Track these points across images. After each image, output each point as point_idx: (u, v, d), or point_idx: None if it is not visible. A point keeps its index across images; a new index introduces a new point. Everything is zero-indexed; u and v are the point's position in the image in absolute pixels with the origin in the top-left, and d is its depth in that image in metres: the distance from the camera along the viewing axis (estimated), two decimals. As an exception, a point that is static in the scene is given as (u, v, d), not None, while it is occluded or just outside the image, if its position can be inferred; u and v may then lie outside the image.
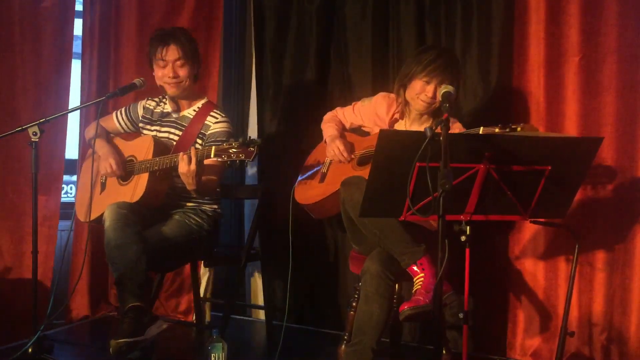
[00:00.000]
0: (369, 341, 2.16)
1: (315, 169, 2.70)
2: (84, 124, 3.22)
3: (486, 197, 1.90)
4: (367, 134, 2.67)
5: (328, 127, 2.69)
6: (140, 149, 2.68)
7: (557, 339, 2.39)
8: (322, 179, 2.62)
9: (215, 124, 2.68)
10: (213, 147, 2.34)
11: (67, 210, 3.13)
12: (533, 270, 2.72)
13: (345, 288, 3.18)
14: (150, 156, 2.59)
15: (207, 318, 3.29)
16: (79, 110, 3.25)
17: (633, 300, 2.53)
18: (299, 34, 3.27)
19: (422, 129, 2.43)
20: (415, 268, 2.16)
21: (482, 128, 2.09)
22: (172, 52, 2.60)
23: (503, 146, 1.83)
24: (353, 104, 2.70)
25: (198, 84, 3.19)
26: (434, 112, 2.44)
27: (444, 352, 2.30)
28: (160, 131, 2.76)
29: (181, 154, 2.40)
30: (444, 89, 2.01)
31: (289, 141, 3.25)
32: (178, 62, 2.62)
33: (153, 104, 2.84)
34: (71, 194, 3.60)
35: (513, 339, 2.78)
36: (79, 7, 3.35)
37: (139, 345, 2.29)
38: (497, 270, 2.80)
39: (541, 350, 2.70)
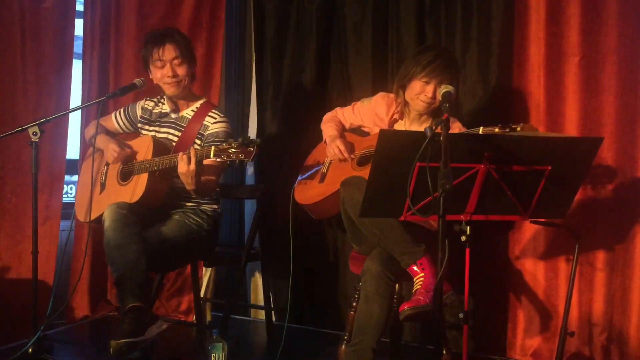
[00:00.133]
0: (369, 341, 2.16)
1: (315, 169, 2.70)
2: (84, 124, 3.23)
3: (486, 197, 1.90)
4: (367, 134, 2.67)
5: (328, 127, 2.69)
6: (140, 149, 2.68)
7: (557, 339, 2.39)
8: (322, 179, 2.62)
9: (213, 124, 2.67)
10: (212, 147, 2.34)
11: (68, 210, 3.13)
12: (533, 270, 2.72)
13: (345, 288, 3.18)
14: (149, 156, 2.59)
15: (208, 318, 3.29)
16: (80, 111, 3.26)
17: (633, 300, 2.53)
18: (298, 34, 3.27)
19: (421, 129, 2.44)
20: (415, 268, 2.16)
21: (481, 128, 2.09)
22: (168, 52, 2.60)
23: (503, 146, 1.83)
24: (352, 104, 2.70)
25: (199, 84, 3.20)
26: (433, 112, 2.44)
27: (444, 352, 2.30)
28: (159, 132, 2.76)
29: (180, 154, 2.40)
30: (444, 89, 2.01)
31: (289, 141, 3.25)
32: (176, 61, 2.62)
33: (151, 104, 2.84)
34: (71, 194, 3.60)
35: (513, 339, 2.78)
36: (79, 7, 3.35)
37: (139, 345, 2.29)
38: (497, 270, 2.80)
39: (541, 350, 2.70)
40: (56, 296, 2.64)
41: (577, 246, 2.34)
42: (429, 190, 1.66)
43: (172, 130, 2.74)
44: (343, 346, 2.41)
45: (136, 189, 2.56)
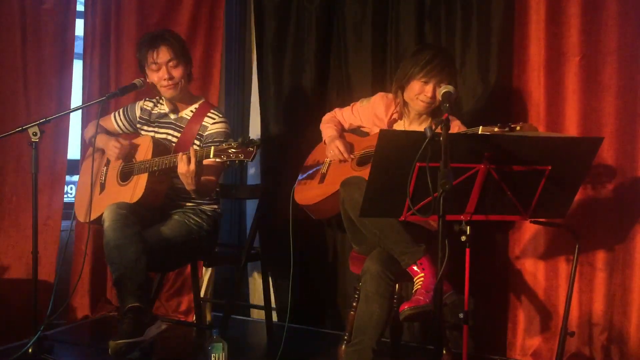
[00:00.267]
0: (369, 341, 2.16)
1: (315, 170, 2.70)
2: (85, 125, 3.22)
3: (486, 197, 1.90)
4: (366, 134, 2.67)
5: (327, 127, 2.69)
6: (140, 150, 2.68)
7: (558, 339, 2.39)
8: (322, 180, 2.62)
9: (212, 124, 2.67)
10: (212, 148, 2.34)
11: (68, 210, 3.13)
12: (533, 270, 2.72)
13: (345, 288, 3.18)
14: (149, 156, 2.59)
15: (208, 318, 3.29)
16: (80, 111, 3.26)
17: (633, 300, 2.53)
18: (298, 34, 3.27)
19: (421, 129, 2.44)
20: (415, 268, 2.16)
21: (481, 127, 2.09)
22: (163, 54, 2.59)
23: (503, 146, 1.83)
24: (352, 104, 2.70)
25: (199, 84, 3.19)
26: (432, 111, 2.44)
27: (444, 352, 2.30)
28: (158, 132, 2.76)
29: (180, 154, 2.40)
30: (444, 89, 2.01)
31: (289, 141, 3.25)
32: (171, 63, 2.60)
33: (150, 104, 2.83)
34: (71, 194, 3.60)
35: (513, 339, 2.78)
36: (80, 7, 3.35)
37: (138, 346, 2.29)
38: (497, 270, 2.80)
39: (541, 350, 2.70)
40: (56, 296, 2.64)
41: (577, 246, 2.34)
42: (429, 190, 1.66)
43: (171, 131, 2.74)
44: (343, 346, 2.41)
45: (136, 189, 2.56)
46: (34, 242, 2.54)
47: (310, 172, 2.72)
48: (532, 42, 2.69)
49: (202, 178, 2.48)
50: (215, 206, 2.78)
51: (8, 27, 3.06)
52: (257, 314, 3.50)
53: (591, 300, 2.62)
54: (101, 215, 2.48)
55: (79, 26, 3.35)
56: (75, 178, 3.47)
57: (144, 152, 2.63)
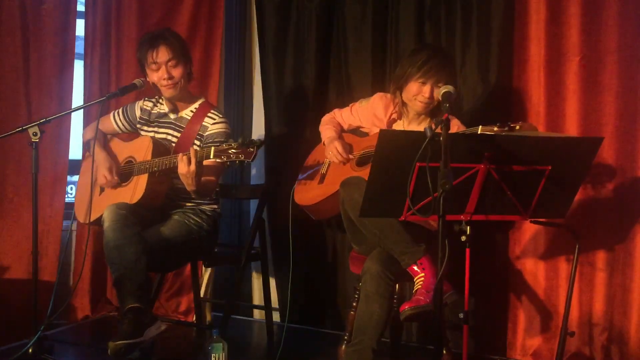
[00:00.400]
0: (369, 341, 2.16)
1: (314, 170, 2.70)
2: (86, 125, 3.23)
3: (486, 197, 1.90)
4: (366, 134, 2.67)
5: (326, 129, 2.69)
6: (139, 150, 2.67)
7: (558, 339, 2.39)
8: (322, 180, 2.62)
9: (213, 124, 2.67)
10: (212, 148, 2.33)
11: (70, 210, 3.13)
12: (533, 270, 2.72)
13: (345, 288, 3.18)
14: (149, 157, 2.59)
15: (208, 318, 3.29)
16: (82, 111, 3.27)
17: (633, 300, 2.53)
18: (299, 34, 3.27)
19: (420, 128, 2.45)
20: (415, 268, 2.16)
21: (480, 127, 2.09)
22: (162, 54, 2.59)
23: (503, 146, 1.83)
24: (351, 105, 2.70)
25: (198, 83, 3.19)
26: (431, 111, 2.44)
27: (444, 352, 2.30)
28: (157, 132, 2.76)
29: (180, 154, 2.40)
30: (444, 89, 2.01)
31: (291, 141, 3.25)
32: (170, 63, 2.60)
33: (150, 104, 2.83)
34: (72, 194, 3.60)
35: (513, 339, 2.78)
36: (80, 7, 3.35)
37: (138, 346, 2.29)
38: (497, 270, 2.80)
39: (541, 350, 2.70)
40: (57, 296, 2.64)
41: (577, 246, 2.34)
42: (429, 190, 1.66)
43: (171, 131, 2.74)
44: (343, 346, 2.41)
45: (136, 189, 2.56)
46: (34, 242, 2.53)
47: (310, 172, 2.71)
48: (532, 42, 2.69)
49: (203, 178, 2.48)
50: (215, 206, 2.78)
51: (9, 27, 3.06)
52: (257, 314, 3.50)
53: (591, 300, 2.62)
54: (101, 216, 2.47)
55: (80, 26, 3.35)
56: (76, 178, 3.47)
57: (144, 153, 2.63)
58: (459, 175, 1.81)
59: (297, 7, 3.26)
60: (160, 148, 2.64)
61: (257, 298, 3.50)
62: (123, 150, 2.78)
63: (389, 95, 2.53)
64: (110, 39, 3.39)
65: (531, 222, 2.25)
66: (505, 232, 2.78)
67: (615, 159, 2.56)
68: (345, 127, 2.71)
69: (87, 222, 2.72)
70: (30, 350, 2.49)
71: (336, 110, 2.75)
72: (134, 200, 2.52)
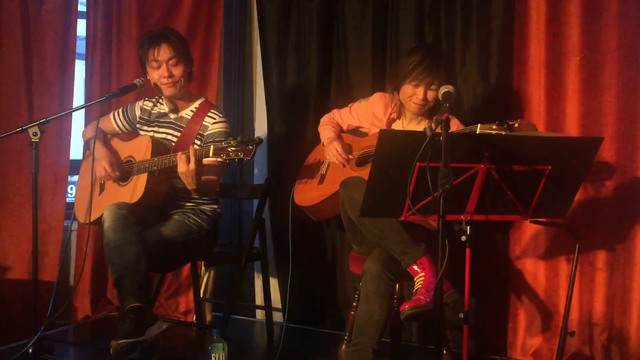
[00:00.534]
0: (369, 341, 2.16)
1: (314, 170, 2.70)
2: (87, 125, 3.23)
3: (486, 197, 1.90)
4: (365, 134, 2.67)
5: (325, 129, 2.69)
6: (139, 150, 2.67)
7: (558, 339, 2.39)
8: (321, 181, 2.62)
9: (213, 124, 2.67)
10: (212, 146, 2.33)
11: (69, 210, 3.13)
12: (534, 270, 2.72)
13: (345, 288, 3.18)
14: (148, 156, 2.59)
15: (208, 318, 3.29)
16: (83, 111, 3.27)
17: (633, 300, 2.53)
18: (300, 34, 3.27)
19: (419, 128, 2.46)
20: (415, 267, 2.16)
21: (479, 125, 2.09)
22: (164, 52, 2.59)
23: (503, 146, 1.83)
24: (350, 105, 2.71)
25: (197, 83, 3.19)
26: (430, 110, 2.44)
27: (444, 352, 2.30)
28: (157, 132, 2.76)
29: (179, 153, 2.40)
30: (444, 89, 2.01)
31: (291, 141, 3.25)
32: (171, 61, 2.61)
33: (150, 104, 2.83)
34: (72, 194, 3.60)
35: (514, 339, 2.78)
36: (81, 7, 3.35)
37: (139, 345, 2.29)
38: (497, 270, 2.80)
39: (542, 350, 2.70)
40: (57, 296, 2.64)
41: (577, 246, 2.34)
42: (429, 190, 1.66)
43: (171, 131, 2.74)
44: (343, 346, 2.41)
45: (136, 189, 2.56)
46: (34, 241, 2.54)
47: (310, 173, 2.72)
48: (532, 42, 2.69)
49: (203, 178, 2.48)
50: (215, 206, 2.78)
51: (9, 27, 3.06)
52: (257, 314, 3.50)
53: (591, 300, 2.62)
54: (101, 216, 2.48)
55: (81, 26, 3.35)
56: (77, 178, 3.47)
57: (143, 152, 2.63)
58: (459, 175, 1.81)
59: (297, 6, 3.26)
60: (159, 147, 2.64)
61: (260, 298, 3.50)
62: (122, 149, 2.78)
63: (388, 95, 2.54)
64: (111, 38, 3.39)
65: (531, 222, 2.25)
66: (505, 232, 2.78)
67: (615, 159, 2.56)
68: (345, 127, 2.71)
69: (87, 222, 2.72)
70: (30, 350, 2.49)
71: (335, 111, 2.75)
72: (134, 200, 2.52)
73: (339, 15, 3.16)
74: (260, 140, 2.29)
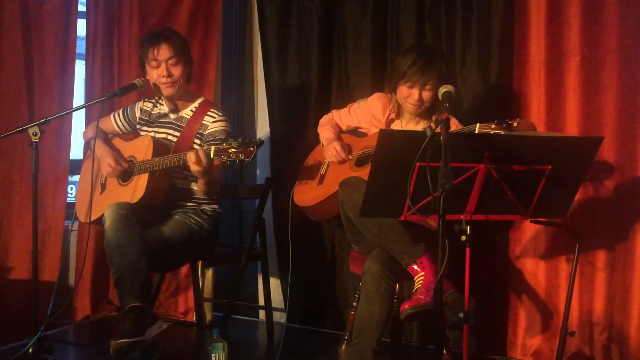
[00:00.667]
0: (369, 341, 2.16)
1: (314, 171, 2.70)
2: (87, 125, 3.23)
3: (486, 196, 1.90)
4: (364, 135, 2.67)
5: (324, 130, 2.69)
6: (140, 150, 2.68)
7: (558, 339, 2.39)
8: (321, 181, 2.62)
9: (213, 123, 2.67)
10: (212, 147, 2.34)
11: (70, 210, 3.14)
12: (534, 269, 2.72)
13: (345, 288, 3.18)
14: (149, 156, 2.59)
15: (208, 318, 3.29)
16: (84, 111, 3.27)
17: (633, 300, 2.53)
18: (300, 34, 3.26)
19: (417, 128, 2.46)
20: (415, 267, 2.16)
21: (478, 125, 2.09)
22: (163, 51, 2.59)
23: (503, 146, 1.83)
24: (349, 105, 2.71)
25: (195, 82, 3.18)
26: (428, 110, 2.44)
27: (444, 351, 2.30)
28: (157, 132, 2.76)
29: (189, 153, 2.38)
30: (444, 88, 2.01)
31: (291, 141, 3.25)
32: (171, 61, 2.61)
33: (150, 105, 2.83)
34: (72, 194, 3.60)
35: (514, 339, 2.77)
36: (82, 7, 3.36)
37: (140, 345, 2.30)
38: (497, 270, 2.80)
39: (542, 350, 2.70)
40: (58, 296, 2.64)
41: (577, 246, 2.34)
42: (429, 190, 1.66)
43: (171, 131, 2.74)
44: (343, 346, 2.41)
45: (136, 189, 2.57)
46: (34, 241, 2.54)
47: (309, 173, 2.72)
48: (532, 42, 2.69)
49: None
50: (216, 206, 2.78)
51: (10, 27, 3.06)
52: (257, 314, 3.50)
53: (591, 299, 2.62)
54: (102, 216, 2.48)
55: (81, 26, 3.36)
56: (77, 178, 3.48)
57: (144, 152, 2.63)
58: (459, 175, 1.81)
59: (297, 7, 3.26)
60: (160, 147, 2.64)
61: (257, 298, 3.49)
62: (124, 149, 2.79)
63: (386, 95, 2.54)
64: (112, 38, 3.40)
65: (531, 221, 2.25)
66: (505, 232, 2.78)
67: (615, 158, 2.56)
68: (344, 127, 2.72)
69: (88, 221, 2.72)
70: (30, 350, 2.49)
71: (334, 112, 2.76)
72: (135, 200, 2.53)
73: (339, 15, 3.16)
74: (261, 142, 2.30)
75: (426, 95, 2.35)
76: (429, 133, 1.69)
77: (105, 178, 2.78)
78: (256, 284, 3.51)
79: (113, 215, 2.39)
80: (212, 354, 2.29)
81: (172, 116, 2.76)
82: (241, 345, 3.03)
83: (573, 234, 2.37)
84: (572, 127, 2.62)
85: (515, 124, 2.02)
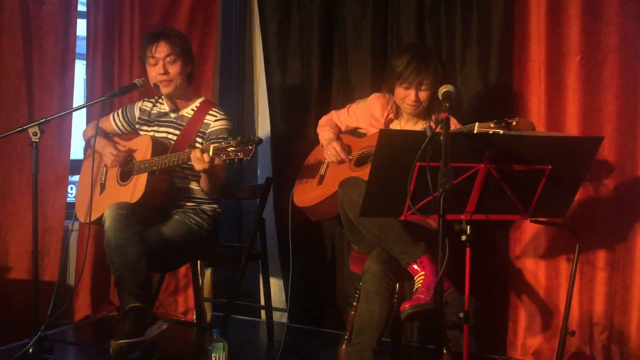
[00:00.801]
0: (369, 341, 2.16)
1: (313, 171, 2.70)
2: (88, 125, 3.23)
3: (486, 196, 1.90)
4: (363, 135, 2.67)
5: (324, 130, 2.70)
6: (139, 149, 2.68)
7: (558, 338, 2.39)
8: (320, 181, 2.62)
9: (214, 122, 2.68)
10: (211, 147, 2.33)
11: (70, 210, 3.14)
12: (534, 269, 2.72)
13: (345, 288, 3.18)
14: (149, 156, 2.59)
15: (208, 318, 3.29)
16: (84, 111, 3.27)
17: (634, 300, 2.53)
18: (300, 34, 3.26)
19: (416, 128, 2.46)
20: (415, 267, 2.16)
21: (477, 124, 2.09)
22: (161, 49, 2.59)
23: (503, 146, 1.83)
24: (348, 106, 2.71)
25: (193, 80, 3.19)
26: (426, 110, 2.44)
27: (444, 351, 2.30)
28: (158, 131, 2.76)
29: (192, 151, 2.38)
30: (444, 88, 2.00)
31: (291, 141, 3.25)
32: (169, 59, 2.61)
33: (149, 104, 2.83)
34: (72, 194, 3.60)
35: (514, 338, 2.78)
36: (82, 7, 3.36)
37: (140, 345, 2.30)
38: (498, 270, 2.80)
39: (542, 350, 2.70)
40: (58, 296, 2.64)
41: (577, 245, 2.34)
42: (429, 190, 1.66)
43: (171, 130, 2.74)
44: (343, 346, 2.41)
45: (136, 189, 2.57)
46: (34, 241, 2.54)
47: (309, 173, 2.72)
48: (532, 42, 2.69)
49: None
50: (215, 206, 2.78)
51: (10, 27, 3.06)
52: (258, 314, 3.50)
53: (592, 299, 2.62)
54: (102, 216, 2.48)
55: (81, 26, 3.36)
56: (77, 178, 3.48)
57: (143, 152, 2.63)
58: (459, 175, 1.81)
59: (297, 6, 3.26)
60: (159, 147, 2.64)
61: (257, 298, 3.49)
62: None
63: (385, 95, 2.54)
64: (112, 38, 3.39)
65: (531, 221, 2.25)
66: (505, 232, 2.78)
67: (615, 158, 2.56)
68: (343, 128, 2.72)
69: (88, 221, 2.72)
70: (30, 350, 2.49)
71: (333, 112, 2.76)
72: (134, 200, 2.53)
73: (339, 15, 3.16)
74: (260, 140, 2.29)
75: (423, 95, 2.35)
76: (429, 133, 1.69)
77: (105, 178, 2.78)
78: (256, 284, 3.51)
79: (113, 215, 2.39)
80: (212, 354, 2.28)
81: (172, 115, 2.76)
82: (241, 345, 3.02)
83: (573, 233, 2.36)
84: (572, 127, 2.62)
85: (514, 123, 2.01)
